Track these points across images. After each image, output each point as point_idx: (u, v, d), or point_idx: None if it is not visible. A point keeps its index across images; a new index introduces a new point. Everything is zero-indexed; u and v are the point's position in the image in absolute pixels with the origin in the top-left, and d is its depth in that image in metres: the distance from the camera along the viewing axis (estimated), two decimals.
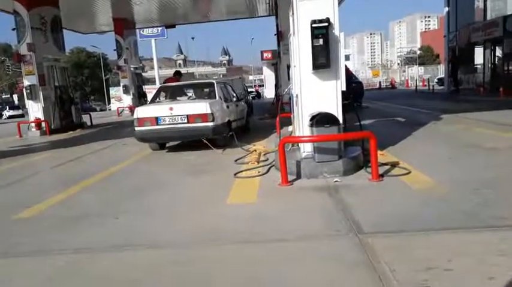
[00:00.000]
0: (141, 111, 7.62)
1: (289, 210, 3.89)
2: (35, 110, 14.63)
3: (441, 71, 40.11)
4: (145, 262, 2.94)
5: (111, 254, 3.16)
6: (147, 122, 7.44)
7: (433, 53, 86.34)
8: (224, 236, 3.32)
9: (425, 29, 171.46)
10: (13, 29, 14.65)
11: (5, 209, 4.70)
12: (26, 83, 14.61)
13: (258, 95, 42.08)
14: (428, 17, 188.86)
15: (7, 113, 39.79)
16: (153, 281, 2.63)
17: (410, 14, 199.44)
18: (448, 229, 3.05)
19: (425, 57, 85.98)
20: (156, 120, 7.39)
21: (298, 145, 5.67)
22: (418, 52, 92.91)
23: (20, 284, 2.77)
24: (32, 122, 14.64)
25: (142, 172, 6.65)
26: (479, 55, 22.89)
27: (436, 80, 33.92)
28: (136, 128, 7.56)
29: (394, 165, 5.15)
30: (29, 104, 14.87)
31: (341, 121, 5.07)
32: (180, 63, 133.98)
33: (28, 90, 14.45)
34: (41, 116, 14.42)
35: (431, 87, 25.35)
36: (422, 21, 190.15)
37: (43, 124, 14.36)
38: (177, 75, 11.13)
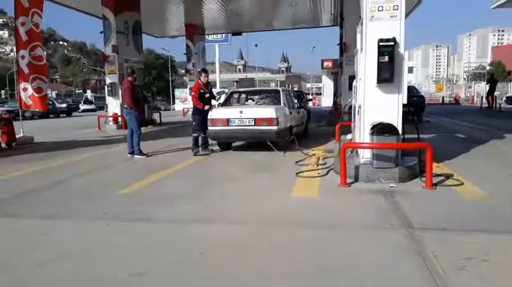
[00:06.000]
0: (215, 113, 8.48)
1: (347, 206, 4.46)
2: (114, 105, 16.20)
3: (511, 89, 37.98)
4: (225, 233, 3.64)
5: (199, 225, 3.91)
6: (220, 123, 8.29)
7: (504, 70, 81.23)
8: (291, 220, 3.96)
9: (498, 43, 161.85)
10: (101, 32, 16.32)
11: (110, 185, 5.73)
12: (108, 81, 16.26)
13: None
14: (502, 30, 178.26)
15: (81, 106, 43.57)
16: (234, 248, 3.32)
17: (482, 27, 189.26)
18: (490, 231, 3.46)
19: (496, 73, 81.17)
20: (227, 121, 8.22)
21: (357, 152, 6.18)
22: (488, 67, 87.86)
23: (130, 241, 3.60)
24: (110, 116, 16.22)
25: (214, 166, 7.47)
26: None
27: (504, 98, 32.29)
28: (209, 128, 8.43)
29: (448, 176, 5.51)
30: (109, 100, 16.50)
31: (400, 132, 5.52)
32: (240, 69, 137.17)
33: (109, 88, 16.07)
34: (118, 111, 15.89)
35: (497, 105, 24.33)
36: (494, 35, 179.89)
37: (119, 119, 15.82)
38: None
